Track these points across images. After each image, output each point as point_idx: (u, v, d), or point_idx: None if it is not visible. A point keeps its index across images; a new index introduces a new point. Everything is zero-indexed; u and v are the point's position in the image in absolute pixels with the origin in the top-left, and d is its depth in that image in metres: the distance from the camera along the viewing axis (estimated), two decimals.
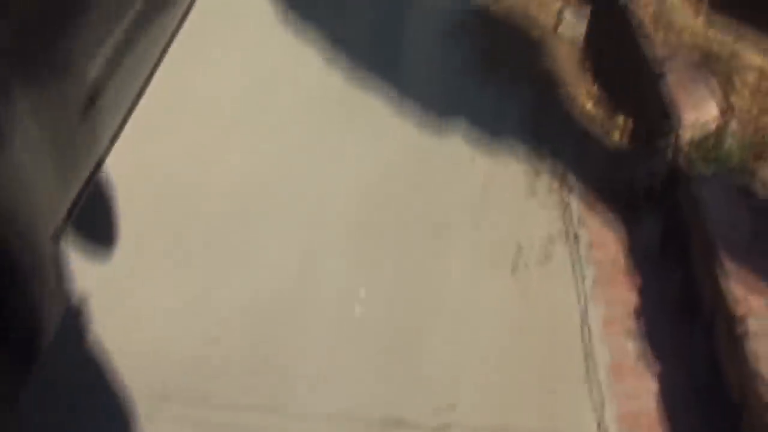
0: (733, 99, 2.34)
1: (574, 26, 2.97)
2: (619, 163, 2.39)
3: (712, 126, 2.24)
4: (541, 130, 2.54)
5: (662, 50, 2.54)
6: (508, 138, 2.52)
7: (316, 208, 2.22)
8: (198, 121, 2.49)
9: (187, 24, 2.13)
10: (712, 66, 2.46)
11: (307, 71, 2.73)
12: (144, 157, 2.28)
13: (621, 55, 2.75)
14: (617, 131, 2.52)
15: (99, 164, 1.58)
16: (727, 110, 2.29)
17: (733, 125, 2.25)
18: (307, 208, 2.22)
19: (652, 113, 2.43)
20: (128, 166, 2.16)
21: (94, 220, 2.12)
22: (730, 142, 2.19)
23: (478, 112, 2.61)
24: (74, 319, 1.85)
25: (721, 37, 2.60)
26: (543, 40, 2.96)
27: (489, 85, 2.75)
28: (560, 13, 3.12)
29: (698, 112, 2.25)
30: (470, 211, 2.24)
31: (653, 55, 2.53)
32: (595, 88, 2.72)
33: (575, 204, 2.28)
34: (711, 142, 2.22)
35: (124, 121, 1.65)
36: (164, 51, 1.84)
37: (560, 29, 2.97)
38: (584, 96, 2.68)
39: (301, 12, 3.05)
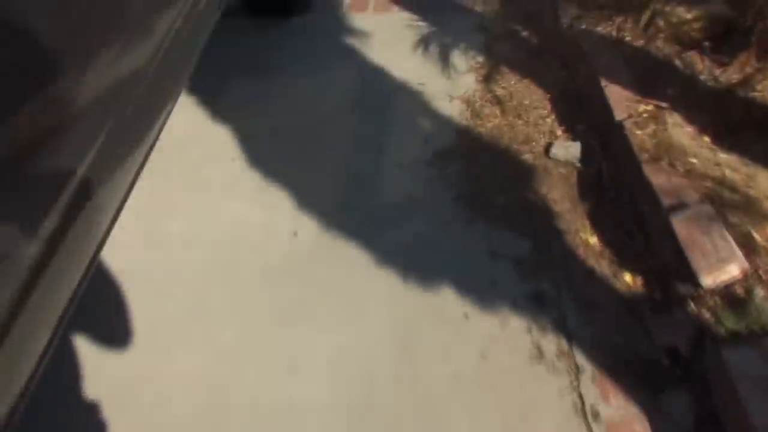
0: (757, 238, 2.06)
1: (567, 148, 2.71)
2: (633, 316, 2.09)
3: (738, 276, 1.95)
4: (540, 275, 2.26)
5: (668, 181, 2.27)
6: (503, 286, 2.23)
7: (286, 415, 1.89)
8: (151, 304, 2.19)
9: (144, 181, 1.84)
10: (727, 199, 2.18)
11: (274, 228, 2.45)
12: (85, 354, 1.97)
13: (623, 183, 2.49)
14: (627, 274, 2.23)
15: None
16: (751, 254, 2.00)
17: (761, 274, 1.96)
18: (275, 414, 1.90)
19: (665, 256, 2.15)
20: (68, 367, 1.84)
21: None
22: (760, 297, 1.90)
23: (468, 256, 2.34)
24: None
25: (729, 161, 2.34)
26: (534, 165, 2.70)
27: (478, 221, 2.48)
28: (551, 133, 2.86)
29: (719, 269, 1.96)
30: (470, 393, 1.93)
31: (659, 189, 2.25)
32: (597, 221, 2.43)
33: (588, 370, 1.97)
34: (738, 295, 1.92)
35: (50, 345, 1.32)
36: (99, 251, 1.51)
37: (552, 151, 2.71)
38: (586, 230, 2.40)
39: (267, 158, 2.80)
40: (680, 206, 2.16)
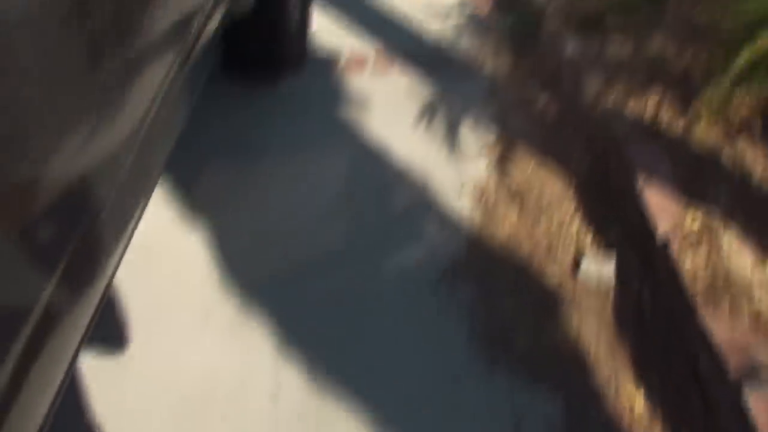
0: None
1: (599, 266, 2.27)
2: None
3: None
4: None
5: (733, 334, 1.82)
6: None
7: None
8: None
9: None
10: None
11: (251, 381, 2.03)
12: None
13: (671, 318, 2.04)
14: None
15: None
16: None
17: None
18: None
19: None
20: None
21: None
22: None
23: (487, 424, 1.88)
24: None
25: None
26: (561, 289, 2.26)
27: (498, 369, 2.05)
28: (578, 241, 2.41)
29: None
30: None
31: (722, 345, 1.80)
32: (642, 371, 1.99)
33: None
34: None
35: None
36: None
37: (582, 270, 2.27)
38: (630, 386, 1.95)
39: (245, 276, 2.36)
40: (752, 373, 1.71)
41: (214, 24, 2.25)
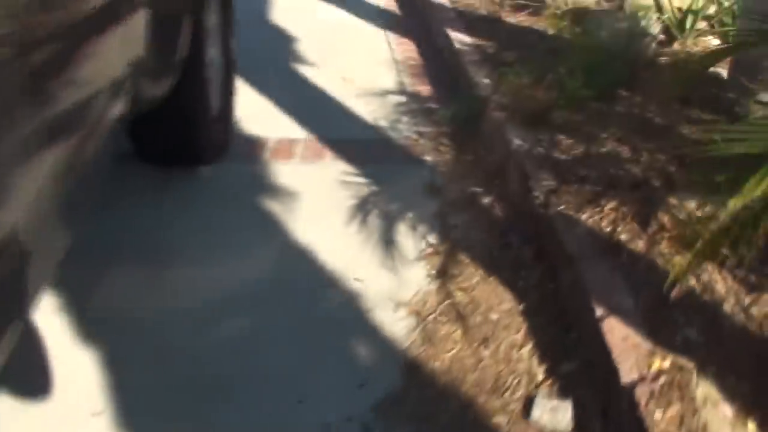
0: None
1: (553, 410, 2.00)
2: None
3: None
4: None
5: None
6: None
7: None
8: None
9: None
10: None
11: None
12: None
13: None
14: None
15: None
16: None
17: None
18: None
19: None
20: None
21: None
22: None
23: None
24: None
25: None
26: None
27: None
28: (530, 375, 2.12)
29: None
30: None
31: None
32: None
33: None
34: None
35: None
36: None
37: (534, 414, 1.98)
38: None
39: (141, 409, 2.03)
40: None
41: (112, 118, 1.92)
